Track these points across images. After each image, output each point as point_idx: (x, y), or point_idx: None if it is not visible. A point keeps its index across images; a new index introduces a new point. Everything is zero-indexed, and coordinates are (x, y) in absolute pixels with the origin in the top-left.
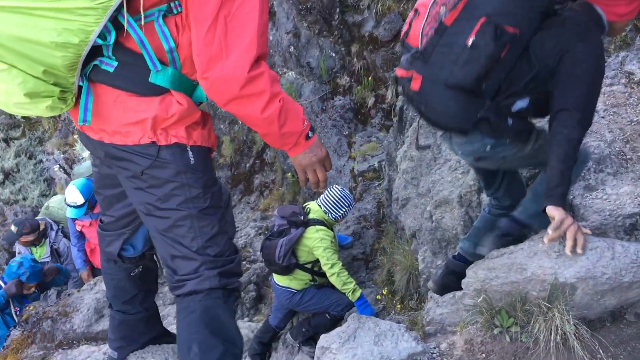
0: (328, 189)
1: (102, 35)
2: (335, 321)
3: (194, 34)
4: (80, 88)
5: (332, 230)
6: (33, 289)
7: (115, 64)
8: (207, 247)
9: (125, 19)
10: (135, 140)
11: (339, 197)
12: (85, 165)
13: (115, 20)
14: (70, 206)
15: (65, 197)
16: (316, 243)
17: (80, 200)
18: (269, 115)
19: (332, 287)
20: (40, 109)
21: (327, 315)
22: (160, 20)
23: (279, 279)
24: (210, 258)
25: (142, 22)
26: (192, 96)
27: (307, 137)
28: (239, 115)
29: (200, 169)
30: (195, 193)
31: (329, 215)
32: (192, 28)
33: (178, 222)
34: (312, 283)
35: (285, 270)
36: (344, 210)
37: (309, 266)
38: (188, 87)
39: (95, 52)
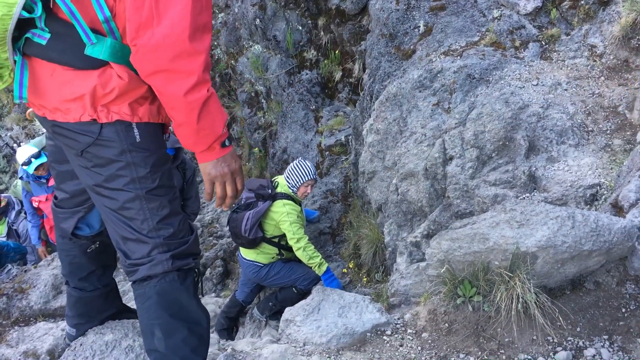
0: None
1: (28, 7)
2: (302, 295)
3: None
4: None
5: (299, 204)
6: None
7: (48, 35)
8: (159, 229)
9: None
10: (76, 117)
11: (295, 165)
12: (35, 140)
13: None
14: (28, 164)
15: (19, 164)
16: (282, 217)
17: (33, 149)
18: (192, 101)
19: (299, 261)
20: None
21: (293, 289)
22: None
23: (245, 253)
24: (162, 241)
25: None
26: None
27: (223, 145)
28: (161, 93)
29: (148, 147)
30: (143, 173)
31: (289, 184)
32: None
33: (126, 204)
34: (279, 257)
35: (252, 244)
36: (300, 175)
37: (275, 240)
38: None
39: (28, 24)
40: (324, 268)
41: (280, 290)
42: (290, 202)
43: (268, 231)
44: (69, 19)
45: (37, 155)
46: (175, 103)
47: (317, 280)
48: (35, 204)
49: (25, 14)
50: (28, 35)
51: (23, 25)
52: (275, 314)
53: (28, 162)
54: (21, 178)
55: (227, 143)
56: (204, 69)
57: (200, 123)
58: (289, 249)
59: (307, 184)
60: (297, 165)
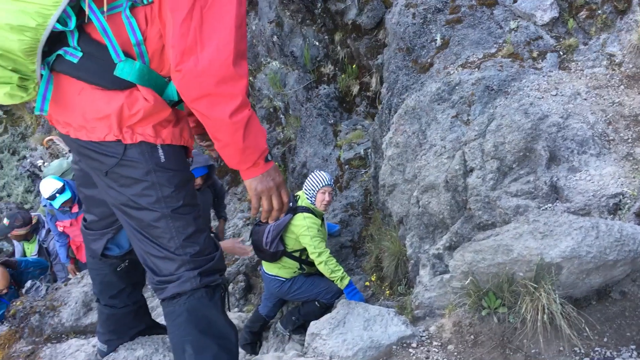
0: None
1: (62, 21)
2: (325, 309)
3: (169, 25)
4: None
5: (320, 218)
6: (5, 290)
7: (80, 54)
8: (185, 246)
9: (87, 2)
10: (100, 136)
11: (310, 176)
12: (53, 164)
13: (81, 10)
14: (53, 199)
15: (43, 196)
16: (303, 231)
17: (58, 183)
18: (237, 121)
19: (321, 275)
20: None
21: (316, 303)
22: (128, 11)
23: (268, 267)
24: (189, 258)
25: (105, 14)
26: (163, 94)
27: (267, 160)
28: (205, 116)
29: (172, 167)
30: (168, 192)
31: (307, 195)
32: (167, 19)
33: (153, 223)
34: (301, 271)
35: (273, 257)
36: (314, 183)
37: (296, 254)
38: (158, 83)
39: (61, 41)
40: (346, 282)
41: (302, 304)
42: (310, 215)
43: (289, 245)
44: (101, 37)
45: (61, 190)
46: (221, 125)
47: (340, 294)
48: (60, 229)
49: (59, 27)
50: (60, 52)
51: (54, 42)
52: (298, 328)
53: (53, 197)
54: (45, 206)
55: (269, 158)
56: (245, 92)
57: (246, 141)
58: (311, 263)
59: (323, 190)
60: (311, 175)
